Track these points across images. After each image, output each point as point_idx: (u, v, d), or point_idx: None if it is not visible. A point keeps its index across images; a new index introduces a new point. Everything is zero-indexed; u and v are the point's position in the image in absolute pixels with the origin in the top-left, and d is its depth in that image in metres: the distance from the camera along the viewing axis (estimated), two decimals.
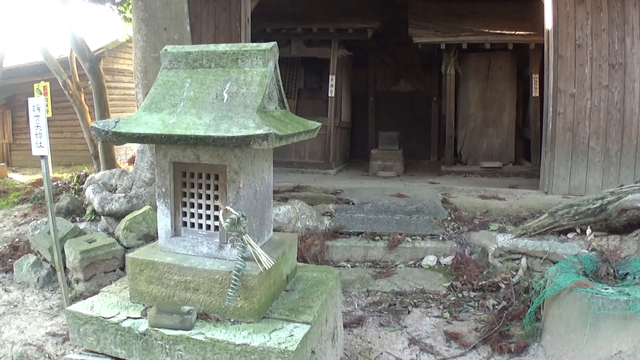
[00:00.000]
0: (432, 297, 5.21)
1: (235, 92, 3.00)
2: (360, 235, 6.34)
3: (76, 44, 9.93)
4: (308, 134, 3.36)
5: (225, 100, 2.97)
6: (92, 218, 7.23)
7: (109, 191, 7.17)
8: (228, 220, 2.84)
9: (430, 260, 5.90)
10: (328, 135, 10.89)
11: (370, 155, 11.23)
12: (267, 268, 2.96)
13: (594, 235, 5.21)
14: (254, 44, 3.21)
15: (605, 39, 7.61)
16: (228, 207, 2.96)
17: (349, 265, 5.98)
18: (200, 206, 3.19)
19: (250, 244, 2.96)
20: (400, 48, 13.44)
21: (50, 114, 12.36)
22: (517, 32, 9.81)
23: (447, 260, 5.87)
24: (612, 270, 4.02)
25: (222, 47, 3.22)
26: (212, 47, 3.25)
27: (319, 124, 3.62)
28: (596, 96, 7.70)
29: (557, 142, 7.84)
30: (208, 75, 3.16)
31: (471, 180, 9.86)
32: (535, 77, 10.27)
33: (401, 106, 13.85)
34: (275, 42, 3.25)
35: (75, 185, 9.13)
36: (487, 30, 9.99)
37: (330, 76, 10.91)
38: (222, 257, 3.13)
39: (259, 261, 2.95)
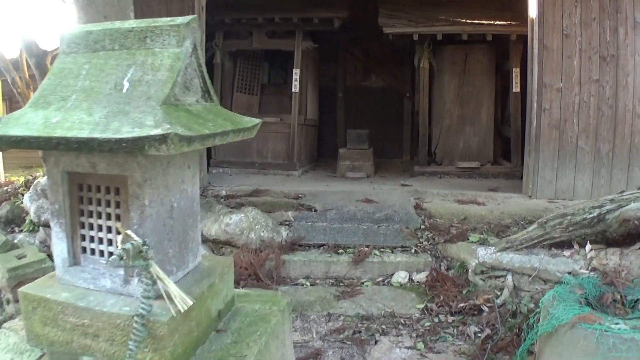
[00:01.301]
0: (403, 322, 4.59)
1: (139, 80, 2.33)
2: (322, 248, 5.71)
3: (24, 40, 9.29)
4: (240, 133, 2.69)
5: (125, 90, 2.30)
6: (31, 228, 6.68)
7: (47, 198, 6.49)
8: (118, 251, 2.16)
9: (401, 276, 5.28)
10: (292, 133, 10.23)
11: (338, 155, 10.59)
12: (182, 310, 2.29)
13: (593, 249, 4.64)
14: (167, 18, 2.53)
15: (596, 28, 7.08)
16: (129, 232, 2.28)
17: (308, 283, 5.34)
18: (100, 228, 2.50)
19: (160, 278, 2.29)
20: (372, 41, 12.74)
21: (0, 114, 11.64)
22: (497, 22, 9.24)
23: (421, 276, 5.25)
24: (619, 297, 3.43)
25: (128, 23, 2.55)
26: (117, 24, 2.57)
27: (258, 121, 2.94)
28: (585, 91, 7.18)
29: (542, 141, 7.30)
30: (109, 60, 2.48)
31: (447, 182, 9.29)
32: (515, 71, 9.73)
33: (372, 102, 13.28)
34: (194, 16, 2.56)
35: (23, 190, 8.39)
36: (464, 20, 9.41)
37: (294, 70, 10.21)
38: (128, 293, 2.45)
39: (172, 301, 2.28)
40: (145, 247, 2.20)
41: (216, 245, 6.14)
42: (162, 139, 1.91)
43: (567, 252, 4.77)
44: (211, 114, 2.58)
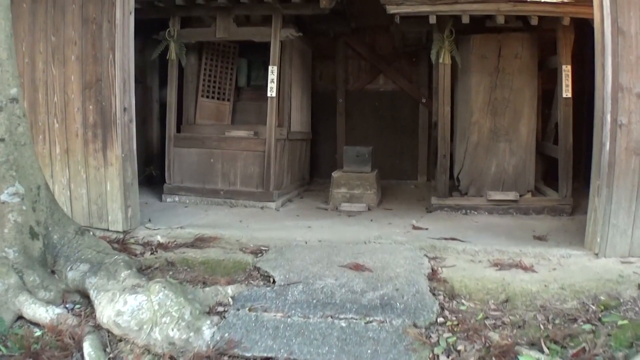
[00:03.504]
0: None
1: None
2: None
3: None
4: None
5: None
6: None
7: None
8: None
9: None
10: (267, 152, 7.99)
11: (332, 181, 8.38)
12: None
13: None
14: None
15: None
16: None
17: None
18: None
19: None
20: (379, 34, 10.90)
21: None
22: (544, 0, 6.98)
23: None
24: None
25: None
26: None
27: None
28: None
29: (616, 172, 5.10)
30: None
31: (475, 223, 7.08)
32: (566, 70, 7.49)
33: (380, 110, 11.22)
34: None
35: None
36: None
37: (270, 68, 7.96)
38: None
39: None
40: None
41: (113, 337, 3.99)
42: None
43: None
44: None
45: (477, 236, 6.09)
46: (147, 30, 8.67)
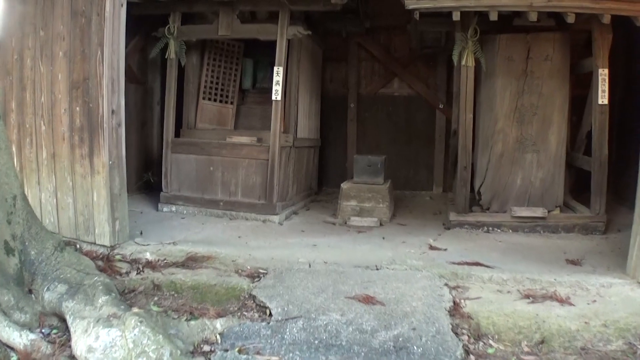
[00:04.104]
0: None
1: None
2: None
3: None
4: None
5: None
6: None
7: None
8: None
9: None
10: (271, 160, 7.47)
11: (340, 192, 7.86)
12: None
13: None
14: None
15: None
16: None
17: None
18: None
19: None
20: (394, 34, 10.45)
21: None
22: None
23: None
24: None
25: None
26: None
27: None
28: None
29: None
30: None
31: (500, 243, 6.51)
32: (602, 74, 6.89)
33: (394, 116, 10.75)
34: None
35: None
36: None
37: (275, 68, 7.44)
38: None
39: None
40: None
41: None
42: None
43: None
44: None
45: (503, 259, 5.53)
46: (149, 27, 8.25)
